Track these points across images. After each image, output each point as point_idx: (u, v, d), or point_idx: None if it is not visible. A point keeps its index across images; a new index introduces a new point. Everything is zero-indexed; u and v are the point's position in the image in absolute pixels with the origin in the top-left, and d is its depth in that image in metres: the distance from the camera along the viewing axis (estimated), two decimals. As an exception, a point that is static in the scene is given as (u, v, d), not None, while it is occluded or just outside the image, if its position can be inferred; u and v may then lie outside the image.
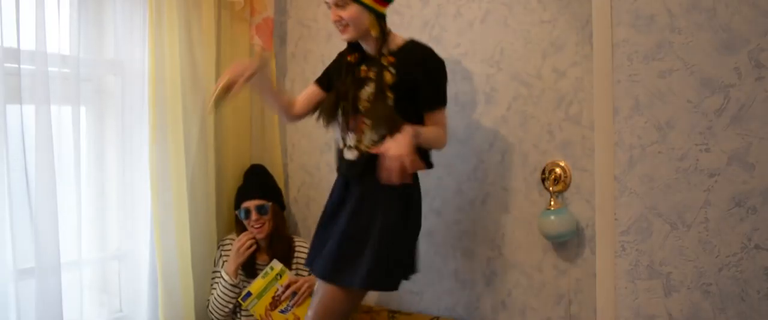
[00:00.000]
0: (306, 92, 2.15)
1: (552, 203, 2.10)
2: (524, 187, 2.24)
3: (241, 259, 2.39)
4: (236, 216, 2.49)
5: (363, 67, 1.99)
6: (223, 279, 2.37)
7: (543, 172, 2.18)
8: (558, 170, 2.14)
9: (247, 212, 2.43)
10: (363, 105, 1.94)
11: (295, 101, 2.14)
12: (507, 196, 2.27)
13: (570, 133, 2.14)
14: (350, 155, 1.98)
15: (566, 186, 2.14)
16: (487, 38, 2.29)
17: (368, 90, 1.94)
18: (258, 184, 2.54)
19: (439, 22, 2.39)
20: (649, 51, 1.75)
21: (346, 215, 1.97)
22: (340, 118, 2.00)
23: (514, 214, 2.25)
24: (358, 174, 1.96)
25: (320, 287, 1.99)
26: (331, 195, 2.09)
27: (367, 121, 1.93)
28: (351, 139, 1.97)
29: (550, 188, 2.14)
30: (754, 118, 1.62)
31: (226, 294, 2.36)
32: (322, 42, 2.72)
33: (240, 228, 2.49)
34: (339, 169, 2.04)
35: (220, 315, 2.39)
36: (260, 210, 2.43)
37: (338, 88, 2.01)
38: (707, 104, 1.68)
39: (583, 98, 2.12)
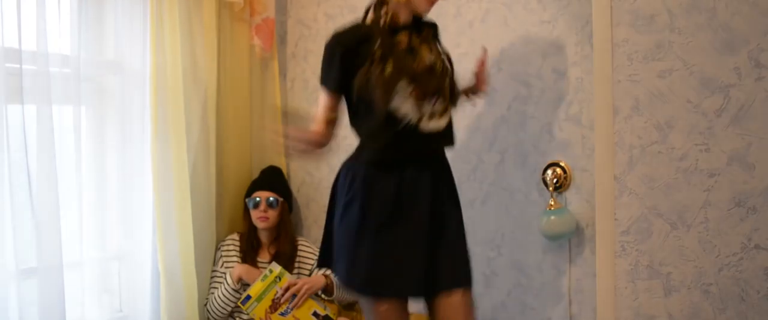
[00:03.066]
0: (325, 109, 1.86)
1: (552, 203, 2.10)
2: (524, 187, 2.24)
3: (247, 278, 2.38)
4: (245, 205, 2.51)
5: (414, 36, 1.81)
6: (226, 281, 2.38)
7: (543, 172, 2.18)
8: (558, 170, 2.15)
9: (257, 202, 2.46)
10: (440, 67, 1.80)
11: (319, 132, 1.86)
12: (507, 196, 2.27)
13: (570, 133, 2.15)
14: (438, 123, 1.76)
15: (566, 187, 2.15)
16: (487, 38, 2.30)
17: (431, 55, 1.80)
18: (273, 181, 2.58)
19: (439, 22, 2.38)
20: (649, 51, 1.75)
21: (451, 212, 1.81)
22: (405, 91, 1.73)
23: (514, 214, 2.25)
24: (450, 141, 1.83)
25: (462, 298, 1.74)
26: (380, 199, 1.75)
27: (448, 83, 1.81)
28: (437, 105, 1.76)
29: (550, 188, 2.14)
30: (754, 118, 1.62)
31: (225, 296, 2.37)
32: (322, 42, 2.72)
33: (247, 218, 2.51)
34: (417, 149, 1.78)
35: (218, 315, 2.40)
36: (270, 202, 2.47)
37: (396, 60, 1.73)
38: (707, 104, 1.68)
39: (583, 98, 2.12)
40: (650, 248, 1.76)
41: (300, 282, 2.35)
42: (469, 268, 1.79)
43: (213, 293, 2.42)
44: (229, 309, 2.39)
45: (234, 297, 2.37)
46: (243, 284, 2.38)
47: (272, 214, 2.47)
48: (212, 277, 2.48)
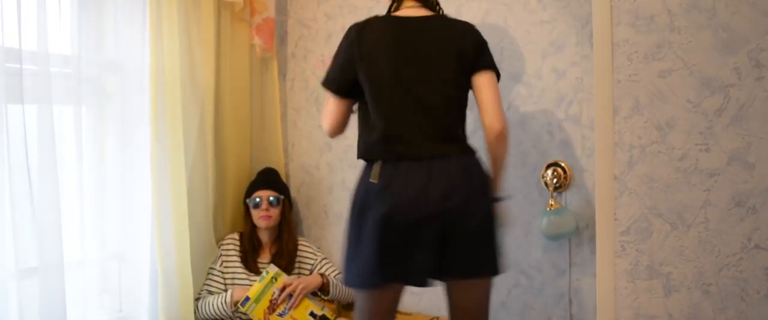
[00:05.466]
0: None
1: (552, 203, 2.10)
2: (524, 187, 2.24)
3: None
4: (246, 206, 2.51)
5: None
6: (225, 300, 2.37)
7: (543, 172, 2.18)
8: (558, 170, 2.15)
9: (259, 201, 2.46)
10: None
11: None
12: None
13: (570, 133, 2.15)
14: None
15: (566, 187, 2.15)
16: (487, 38, 2.29)
17: None
18: (271, 180, 2.59)
19: (440, 23, 2.39)
20: (649, 51, 1.75)
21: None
22: None
23: (514, 214, 2.25)
24: None
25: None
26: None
27: None
28: None
29: (550, 188, 2.14)
30: (754, 118, 1.62)
31: (220, 309, 2.37)
32: (322, 42, 2.73)
33: (248, 219, 2.51)
34: None
35: (208, 318, 2.40)
36: (272, 201, 2.48)
37: None
38: (707, 104, 1.68)
39: (583, 98, 2.12)
40: (650, 248, 1.76)
41: (295, 282, 2.35)
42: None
43: (209, 292, 2.42)
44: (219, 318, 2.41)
45: (228, 314, 2.38)
46: (238, 308, 2.39)
47: (274, 213, 2.48)
48: (208, 275, 2.47)
